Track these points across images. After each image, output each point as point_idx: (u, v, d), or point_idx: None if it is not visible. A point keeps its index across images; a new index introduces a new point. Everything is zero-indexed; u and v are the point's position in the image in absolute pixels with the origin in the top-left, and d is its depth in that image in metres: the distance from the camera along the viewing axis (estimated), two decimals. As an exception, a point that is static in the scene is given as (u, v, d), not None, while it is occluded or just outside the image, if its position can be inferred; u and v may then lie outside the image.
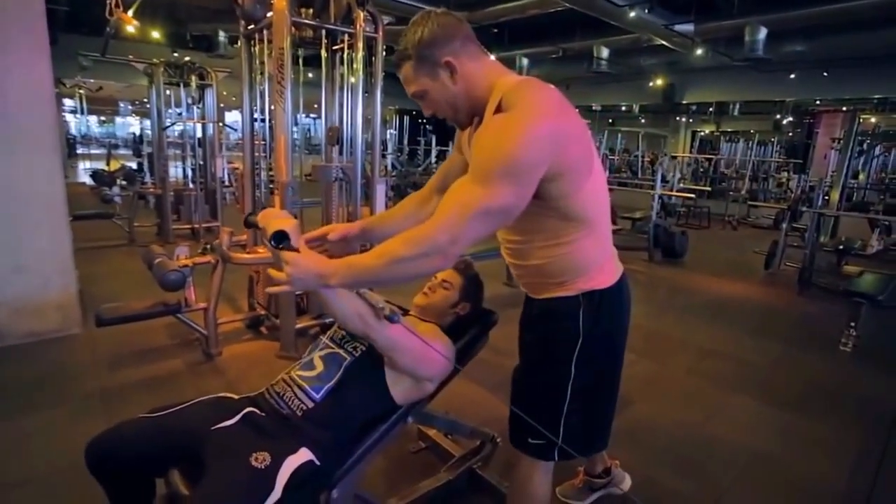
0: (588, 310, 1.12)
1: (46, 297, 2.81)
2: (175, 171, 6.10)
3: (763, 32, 6.63)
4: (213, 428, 1.15)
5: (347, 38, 2.67)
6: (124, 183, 6.38)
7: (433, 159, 11.29)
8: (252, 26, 2.70)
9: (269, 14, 2.46)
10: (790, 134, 15.61)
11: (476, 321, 1.54)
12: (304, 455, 1.10)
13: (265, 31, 2.64)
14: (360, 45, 2.49)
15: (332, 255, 1.12)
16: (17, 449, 1.93)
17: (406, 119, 13.09)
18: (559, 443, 1.17)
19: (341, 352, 1.28)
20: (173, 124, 5.33)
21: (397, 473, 1.85)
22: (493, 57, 1.12)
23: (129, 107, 21.21)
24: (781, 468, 2.03)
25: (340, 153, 2.89)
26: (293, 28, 2.47)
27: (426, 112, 1.09)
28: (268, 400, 1.25)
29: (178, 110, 5.67)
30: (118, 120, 23.82)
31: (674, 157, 10.38)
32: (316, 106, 2.91)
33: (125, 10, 1.98)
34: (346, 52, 2.78)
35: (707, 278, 5.02)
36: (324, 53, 2.80)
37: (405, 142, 13.10)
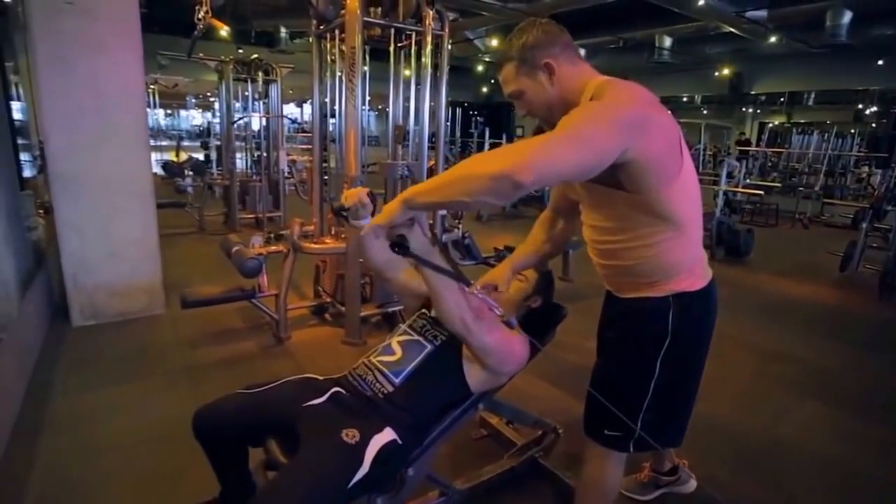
0: (677, 311, 1.14)
1: (136, 281, 3.08)
2: (240, 163, 6.43)
3: (847, 16, 6.15)
4: (304, 405, 1.25)
5: (415, 35, 2.74)
6: (191, 174, 6.81)
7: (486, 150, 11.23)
8: (324, 26, 2.81)
9: (342, 13, 2.55)
10: (873, 125, 14.43)
11: (546, 315, 1.57)
12: (388, 434, 1.18)
13: (336, 31, 2.74)
14: (429, 41, 2.54)
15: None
16: (113, 416, 2.14)
17: (458, 111, 13.13)
18: (637, 432, 1.18)
19: (422, 339, 1.34)
20: (242, 118, 5.60)
21: (461, 458, 1.91)
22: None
23: (193, 100, 22.39)
24: (852, 476, 1.95)
25: (405, 148, 2.98)
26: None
27: (520, 111, 1.16)
28: (351, 382, 1.34)
29: (242, 104, 5.94)
30: (182, 113, 25.18)
31: (744, 152, 9.73)
32: (369, 99, 2.98)
33: (212, 15, 2.12)
34: (412, 48, 2.84)
35: (774, 278, 4.77)
36: (392, 50, 2.87)
37: (458, 134, 13.14)
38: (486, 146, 11.21)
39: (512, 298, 1.49)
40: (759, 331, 3.43)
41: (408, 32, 2.73)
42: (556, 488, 1.75)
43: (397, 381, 1.27)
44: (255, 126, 6.22)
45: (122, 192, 2.96)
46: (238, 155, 6.17)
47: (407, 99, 3.10)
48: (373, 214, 1.13)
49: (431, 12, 2.44)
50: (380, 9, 2.67)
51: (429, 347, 1.32)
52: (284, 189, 6.02)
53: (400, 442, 1.20)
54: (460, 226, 3.39)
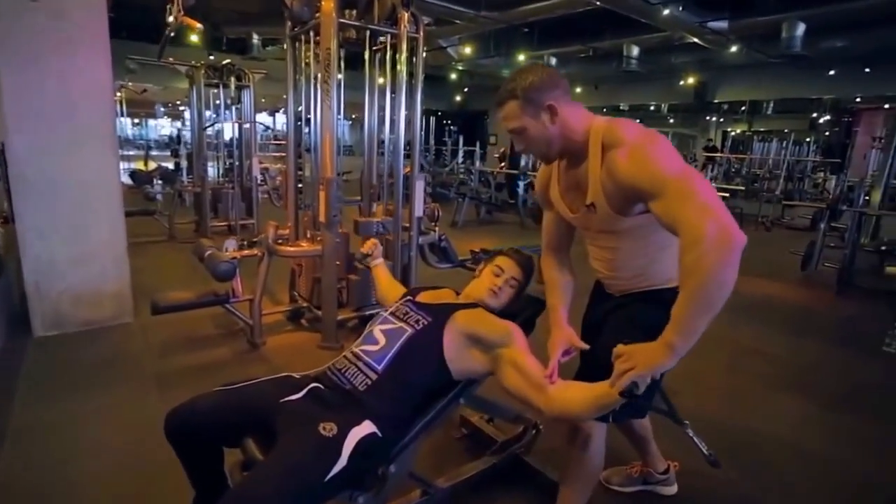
0: None
1: (103, 288, 2.97)
2: (211, 170, 6.30)
3: (801, 28, 6.47)
4: (281, 401, 1.23)
5: (389, 38, 2.75)
6: (160, 182, 6.64)
7: (460, 159, 11.33)
8: (298, 28, 2.80)
9: (316, 16, 2.55)
10: (827, 133, 15.13)
11: (527, 307, 1.59)
12: (367, 427, 1.16)
13: (311, 33, 2.74)
14: (404, 45, 2.56)
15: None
16: (84, 425, 2.06)
17: (432, 120, 13.18)
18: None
19: (404, 325, 1.34)
20: (213, 124, 5.51)
21: (442, 458, 1.90)
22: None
23: (163, 109, 21.87)
24: (827, 465, 2.02)
25: (382, 154, 3.00)
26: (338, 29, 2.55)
27: (518, 147, 1.23)
28: (330, 377, 1.32)
29: (212, 113, 5.84)
30: (151, 122, 24.53)
31: (710, 158, 10.13)
32: (343, 108, 2.98)
33: (185, 14, 2.08)
34: (387, 52, 2.86)
35: (741, 278, 4.76)
36: (367, 55, 2.88)
37: (431, 142, 13.17)
38: (460, 153, 11.33)
39: (506, 304, 1.50)
40: (731, 328, 3.52)
41: (383, 35, 2.74)
42: (539, 484, 1.75)
43: (380, 367, 1.27)
44: (228, 133, 6.12)
45: (88, 195, 2.86)
46: (210, 163, 6.06)
47: (382, 108, 3.11)
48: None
49: (407, 14, 2.46)
50: (355, 11, 2.68)
51: (409, 331, 1.32)
52: (258, 196, 5.92)
53: (380, 435, 1.19)
54: (436, 228, 3.40)
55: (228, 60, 5.32)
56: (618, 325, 1.30)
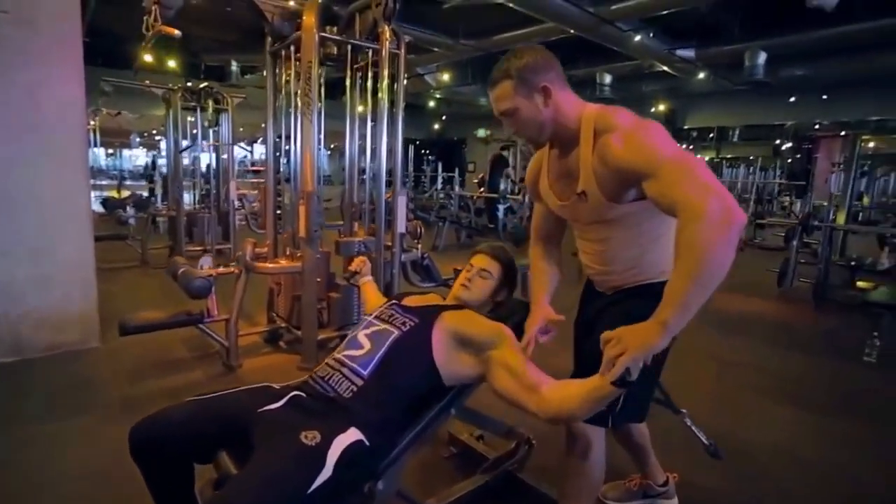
0: None
1: (68, 310, 2.81)
2: (188, 197, 6.17)
3: (762, 57, 6.80)
4: (259, 410, 1.14)
5: (371, 55, 2.75)
6: (134, 208, 6.47)
7: (439, 185, 11.41)
8: (279, 43, 2.79)
9: (297, 32, 2.54)
10: (790, 161, 15.81)
11: (514, 312, 1.54)
12: (353, 434, 1.08)
13: (292, 48, 2.72)
14: (386, 60, 2.56)
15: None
16: (42, 456, 1.90)
17: (410, 148, 13.30)
18: (620, 404, 1.18)
19: (390, 327, 1.28)
20: (191, 146, 5.42)
21: (431, 478, 1.81)
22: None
23: (138, 139, 21.54)
24: (823, 471, 2.00)
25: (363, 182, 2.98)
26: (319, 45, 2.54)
27: (508, 129, 1.21)
28: (312, 385, 1.24)
29: (189, 143, 5.74)
30: (126, 152, 24.12)
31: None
32: (322, 137, 2.95)
33: (163, 23, 2.04)
34: (369, 71, 2.85)
35: (722, 295, 4.90)
36: (347, 73, 2.87)
37: (410, 169, 13.26)
38: (439, 179, 11.42)
39: (479, 297, 1.45)
40: (716, 342, 3.54)
41: (364, 50, 2.74)
42: (535, 501, 1.67)
43: (366, 372, 1.19)
44: (205, 159, 6.03)
45: (54, 213, 2.73)
46: (186, 191, 5.92)
47: (363, 126, 3.09)
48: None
49: (388, 28, 2.47)
50: (336, 28, 2.68)
51: (396, 333, 1.25)
52: (235, 221, 5.80)
53: (367, 443, 1.10)
54: (419, 245, 3.35)
55: (206, 84, 5.27)
56: (612, 321, 1.24)
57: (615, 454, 1.56)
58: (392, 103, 2.71)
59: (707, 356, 3.22)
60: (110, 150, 23.82)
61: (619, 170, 1.07)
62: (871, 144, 11.92)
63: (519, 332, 1.50)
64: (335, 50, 2.79)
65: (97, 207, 8.56)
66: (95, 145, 18.76)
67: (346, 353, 1.26)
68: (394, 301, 1.41)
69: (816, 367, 3.17)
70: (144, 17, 2.11)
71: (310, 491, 0.97)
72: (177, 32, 2.12)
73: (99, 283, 2.98)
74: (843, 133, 11.90)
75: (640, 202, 1.10)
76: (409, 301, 1.42)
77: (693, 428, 0.97)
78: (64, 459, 1.87)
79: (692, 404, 2.44)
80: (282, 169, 3.41)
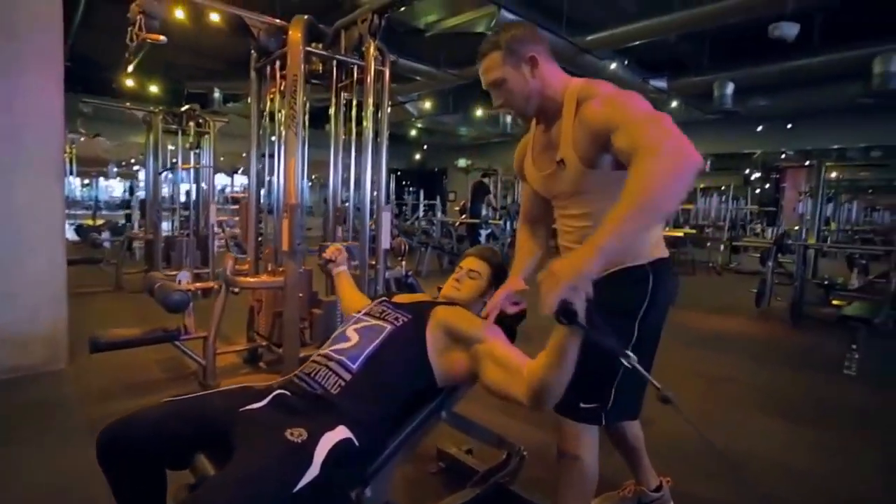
0: (655, 276, 1.20)
1: (34, 329, 2.67)
2: (166, 225, 6.03)
3: (730, 87, 7.11)
4: (240, 410, 1.08)
5: (356, 71, 2.78)
6: (108, 234, 6.32)
7: (420, 213, 11.47)
8: (263, 59, 2.80)
9: (283, 48, 2.56)
10: (758, 191, 16.45)
11: (506, 316, 1.51)
12: (342, 432, 1.03)
13: (277, 64, 2.74)
14: (371, 76, 2.58)
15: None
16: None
17: (392, 178, 13.37)
18: (611, 401, 1.18)
19: (382, 322, 1.23)
20: (171, 168, 5.34)
21: (419, 493, 1.74)
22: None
23: (115, 168, 21.18)
24: (816, 480, 1.98)
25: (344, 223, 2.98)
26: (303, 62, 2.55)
27: (496, 101, 1.22)
28: (298, 383, 1.18)
29: (169, 165, 5.66)
30: (102, 182, 23.66)
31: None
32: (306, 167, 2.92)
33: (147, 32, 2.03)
34: (354, 87, 2.87)
35: (704, 316, 5.05)
36: (333, 90, 2.89)
37: (392, 198, 13.28)
38: (421, 207, 11.48)
39: (468, 296, 1.43)
40: (701, 359, 3.57)
41: (350, 66, 2.76)
42: (527, 513, 1.60)
43: (355, 366, 1.14)
44: (185, 187, 5.92)
45: (27, 224, 2.62)
46: (165, 217, 5.79)
47: (347, 167, 3.07)
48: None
49: (374, 44, 2.50)
50: (321, 45, 2.71)
51: (389, 327, 1.21)
52: (214, 246, 5.68)
53: (356, 443, 1.04)
54: (403, 263, 3.32)
55: (189, 106, 5.24)
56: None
57: (606, 464, 1.51)
58: (377, 129, 2.68)
59: (693, 373, 3.23)
60: (86, 181, 23.38)
61: (594, 129, 1.09)
62: (834, 175, 12.52)
63: (509, 332, 1.48)
64: (320, 67, 2.81)
65: (70, 235, 8.35)
66: (71, 174, 18.44)
67: (334, 347, 1.21)
68: (384, 298, 1.37)
69: (801, 380, 3.20)
70: (129, 28, 2.10)
71: (296, 490, 0.91)
72: (162, 38, 2.11)
73: (69, 307, 2.85)
74: (807, 163, 12.49)
75: (619, 172, 1.09)
76: (400, 298, 1.38)
77: (643, 371, 0.93)
78: (18, 482, 1.74)
79: (682, 419, 2.45)
80: (262, 200, 3.32)
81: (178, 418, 1.06)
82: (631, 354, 0.89)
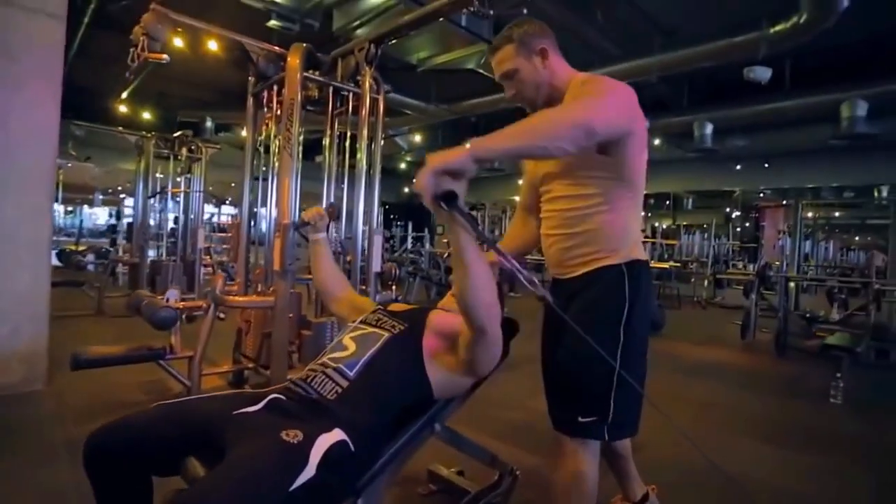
0: (630, 279, 1.21)
1: (13, 348, 2.60)
2: (153, 253, 5.97)
3: (709, 127, 7.43)
4: (234, 412, 1.06)
5: (352, 97, 2.86)
6: (92, 258, 6.22)
7: (409, 244, 11.53)
8: (261, 84, 2.87)
9: (280, 74, 2.64)
10: (738, 229, 16.92)
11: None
12: (338, 434, 1.01)
13: (275, 88, 2.81)
14: (366, 103, 2.66)
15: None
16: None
17: (381, 211, 13.41)
18: (611, 415, 1.17)
19: (378, 330, 1.24)
20: (162, 191, 5.34)
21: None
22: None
23: (101, 196, 20.96)
24: (809, 501, 2.00)
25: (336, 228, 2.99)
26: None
27: (509, 92, 1.31)
28: (293, 389, 1.17)
29: (159, 189, 5.67)
30: (86, 210, 23.35)
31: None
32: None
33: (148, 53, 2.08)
34: (349, 113, 2.94)
35: (690, 346, 5.10)
36: (328, 116, 2.96)
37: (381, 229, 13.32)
38: (409, 239, 11.55)
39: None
40: (689, 387, 3.59)
41: (345, 92, 2.83)
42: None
43: (352, 373, 1.13)
44: (173, 214, 5.91)
45: (13, 241, 2.59)
46: (151, 245, 5.74)
47: (339, 199, 3.12)
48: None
49: (370, 71, 2.59)
50: (318, 72, 2.80)
51: (386, 335, 1.21)
52: (200, 271, 5.62)
53: (352, 448, 1.03)
54: (393, 288, 3.32)
55: (181, 132, 5.30)
56: (577, 317, 1.19)
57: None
58: (370, 161, 2.73)
59: (683, 400, 3.24)
60: (69, 208, 23.04)
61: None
62: (810, 214, 12.95)
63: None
64: (317, 93, 2.89)
65: (53, 260, 8.18)
66: (57, 201, 18.20)
67: (331, 356, 1.20)
68: (379, 307, 1.38)
69: (788, 408, 3.23)
70: (132, 49, 2.15)
71: (291, 489, 0.89)
72: (165, 57, 2.17)
73: (49, 330, 2.79)
74: (784, 202, 12.91)
75: (602, 156, 1.18)
76: (396, 307, 1.39)
77: (554, 306, 1.02)
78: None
79: (674, 444, 2.44)
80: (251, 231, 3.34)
81: (168, 421, 1.04)
82: (536, 281, 0.98)
